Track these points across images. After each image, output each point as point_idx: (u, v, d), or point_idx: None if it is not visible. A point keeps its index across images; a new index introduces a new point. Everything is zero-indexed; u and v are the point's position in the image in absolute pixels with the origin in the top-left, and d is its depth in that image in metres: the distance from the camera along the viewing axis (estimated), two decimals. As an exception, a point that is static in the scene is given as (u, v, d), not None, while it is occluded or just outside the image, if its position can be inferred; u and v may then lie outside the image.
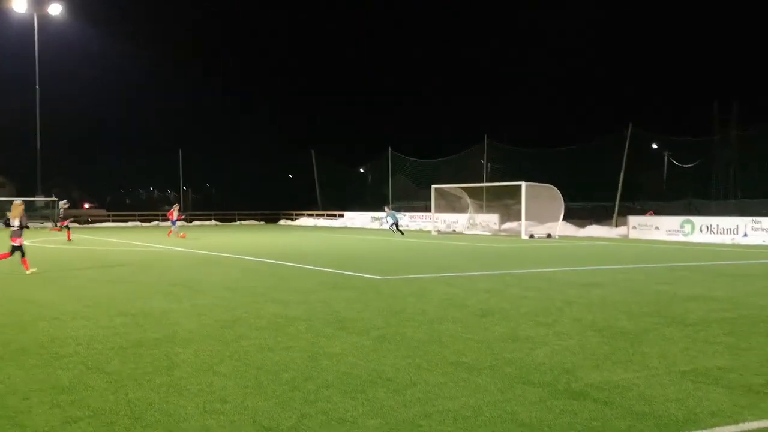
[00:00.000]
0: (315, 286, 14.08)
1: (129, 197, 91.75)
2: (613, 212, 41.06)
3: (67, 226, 32.98)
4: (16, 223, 16.32)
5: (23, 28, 55.02)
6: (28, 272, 16.08)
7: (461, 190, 43.47)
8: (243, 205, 66.40)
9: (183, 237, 33.49)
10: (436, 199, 43.10)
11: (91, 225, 55.37)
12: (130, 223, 58.35)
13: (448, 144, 55.45)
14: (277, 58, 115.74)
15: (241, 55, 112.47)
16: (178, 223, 35.62)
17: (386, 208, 40.17)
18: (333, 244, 30.61)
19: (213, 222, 61.62)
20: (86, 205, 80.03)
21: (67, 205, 34.94)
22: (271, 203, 66.83)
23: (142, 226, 55.81)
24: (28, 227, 16.99)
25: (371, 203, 54.93)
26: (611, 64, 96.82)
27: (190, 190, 74.77)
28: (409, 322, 9.86)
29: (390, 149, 56.09)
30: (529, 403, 5.88)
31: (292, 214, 64.76)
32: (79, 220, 58.17)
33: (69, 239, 31.32)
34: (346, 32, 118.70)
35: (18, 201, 16.82)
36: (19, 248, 16.28)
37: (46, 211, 54.26)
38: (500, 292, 13.17)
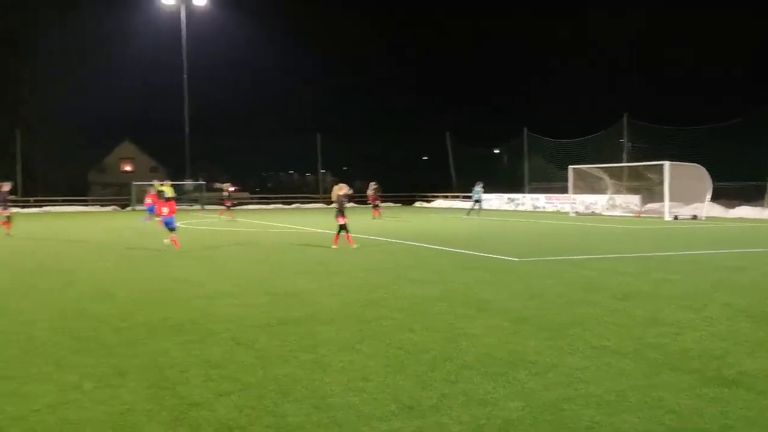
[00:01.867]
0: (452, 267, 14.12)
1: (270, 180, 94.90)
2: (765, 192, 38.73)
3: (376, 206, 36.20)
4: (336, 204, 18.38)
5: (171, 19, 57.85)
6: (333, 247, 17.95)
7: (601, 171, 42.30)
8: (379, 187, 67.14)
9: (380, 216, 35.95)
10: (574, 180, 42.15)
11: (235, 207, 57.69)
12: (272, 206, 60.37)
13: (587, 123, 53.86)
14: (412, 41, 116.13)
15: (377, 39, 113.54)
16: (381, 204, 37.53)
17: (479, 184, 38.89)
18: (469, 225, 30.53)
19: (351, 204, 62.70)
20: (231, 189, 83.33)
21: (375, 186, 37.49)
22: (407, 185, 67.24)
23: (283, 208, 57.68)
24: (342, 205, 18.44)
25: (507, 185, 54.28)
26: (758, 36, 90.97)
27: (328, 173, 76.40)
28: (548, 304, 9.74)
29: (526, 130, 55.21)
30: (676, 390, 5.69)
31: (427, 196, 64.98)
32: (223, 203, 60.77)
33: (374, 217, 34.79)
34: (481, 11, 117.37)
35: (340, 185, 18.52)
36: (342, 226, 18.10)
37: (195, 194, 56.87)
38: (642, 275, 12.75)
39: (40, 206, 52.43)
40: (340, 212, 18.14)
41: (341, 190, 18.34)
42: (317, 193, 66.97)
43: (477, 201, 38.00)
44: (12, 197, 25.18)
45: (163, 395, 5.67)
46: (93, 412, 5.28)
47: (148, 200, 26.35)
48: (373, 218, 35.11)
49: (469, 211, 38.16)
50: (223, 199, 37.84)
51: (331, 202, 18.67)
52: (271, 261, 15.65)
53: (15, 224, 24.82)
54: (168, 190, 30.64)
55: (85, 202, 58.21)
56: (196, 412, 5.25)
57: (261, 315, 9.03)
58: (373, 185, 37.57)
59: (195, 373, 6.31)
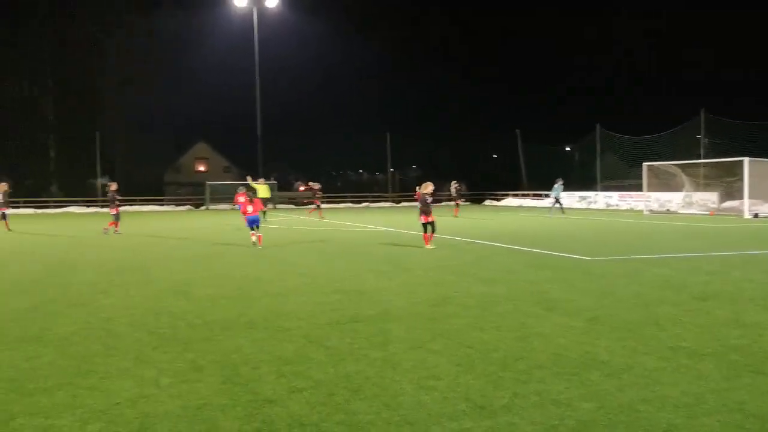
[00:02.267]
0: (522, 266, 13.98)
1: (340, 180, 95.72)
2: None
3: (457, 204, 37.32)
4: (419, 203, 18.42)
5: (243, 21, 58.82)
6: (427, 247, 17.72)
7: (676, 168, 41.27)
8: (461, 186, 66.85)
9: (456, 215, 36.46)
10: (648, 178, 41.24)
11: (305, 207, 58.36)
12: (341, 205, 60.83)
13: (661, 119, 52.50)
14: (480, 37, 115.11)
15: (443, 37, 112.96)
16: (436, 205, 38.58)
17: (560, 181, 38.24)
18: (539, 224, 30.18)
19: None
20: (301, 188, 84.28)
21: (456, 185, 38.45)
22: (476, 184, 66.89)
23: (353, 207, 58.09)
24: (426, 204, 18.35)
25: (579, 183, 53.42)
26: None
27: (397, 172, 76.61)
28: (621, 304, 9.55)
29: (598, 126, 54.20)
30: (760, 393, 5.50)
31: (497, 195, 64.49)
32: (295, 201, 61.59)
33: (455, 215, 35.34)
34: (551, 8, 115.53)
35: (425, 183, 18.57)
36: (425, 225, 18.02)
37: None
38: (722, 275, 12.39)
39: (119, 206, 54.02)
40: (423, 211, 17.99)
41: (426, 188, 18.20)
42: (387, 191, 67.21)
43: (557, 199, 37.63)
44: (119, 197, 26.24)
45: (237, 391, 5.77)
46: (170, 406, 5.41)
47: (241, 198, 26.71)
48: (455, 216, 35.30)
49: (562, 209, 37.70)
50: (312, 198, 38.80)
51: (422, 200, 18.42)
52: (341, 259, 15.78)
53: (99, 223, 25.61)
54: (261, 189, 31.58)
55: (161, 202, 59.77)
56: (269, 408, 5.33)
57: (332, 313, 9.11)
58: (454, 184, 37.98)
59: (268, 369, 6.40)
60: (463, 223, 30.72)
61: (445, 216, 34.88)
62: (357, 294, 10.62)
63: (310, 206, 38.84)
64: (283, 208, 56.52)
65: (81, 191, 58.47)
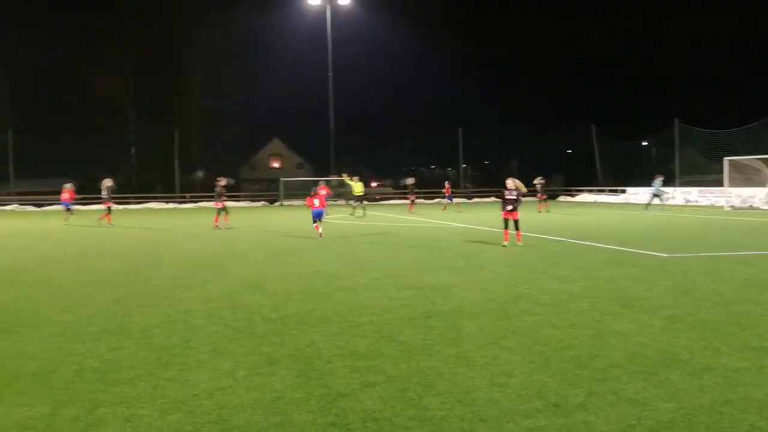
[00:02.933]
0: (597, 263, 13.74)
1: (412, 175, 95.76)
2: None
3: (541, 200, 37.62)
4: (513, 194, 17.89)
5: (316, 18, 59.36)
6: (504, 244, 17.46)
7: (760, 162, 39.83)
8: (521, 181, 65.91)
9: (460, 211, 37.38)
10: (729, 173, 39.94)
11: (378, 202, 58.58)
12: (413, 201, 60.79)
13: (743, 111, 50.74)
14: (553, 30, 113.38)
15: (515, 31, 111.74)
16: (454, 199, 38.94)
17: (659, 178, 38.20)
18: (615, 220, 29.59)
19: (492, 199, 62.17)
20: (373, 184, 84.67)
21: (541, 181, 38.59)
22: (551, 179, 65.91)
23: (424, 203, 57.99)
24: (506, 200, 17.96)
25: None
26: None
27: (469, 167, 76.08)
28: (702, 302, 9.29)
29: (677, 120, 52.70)
30: None
31: (571, 190, 63.48)
32: (367, 197, 61.88)
33: (539, 210, 36.02)
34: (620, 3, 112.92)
35: (507, 179, 18.39)
36: (506, 221, 17.76)
37: (340, 190, 58.22)
38: (809, 273, 11.92)
39: (196, 202, 55.25)
40: (505, 207, 17.73)
41: (508, 183, 17.99)
42: (458, 187, 66.86)
43: (656, 195, 37.57)
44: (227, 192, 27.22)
45: (311, 385, 5.84)
46: (245, 398, 5.52)
47: (322, 192, 26.93)
48: (539, 211, 35.21)
49: (647, 205, 37.88)
50: (407, 194, 39.54)
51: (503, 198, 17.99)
52: (413, 255, 15.78)
53: (182, 218, 26.20)
54: (355, 186, 32.42)
55: (237, 198, 60.82)
56: (342, 402, 5.38)
57: (404, 308, 9.13)
58: (539, 180, 37.90)
59: (341, 364, 6.46)
60: (538, 219, 30.34)
61: (524, 211, 34.52)
62: (430, 290, 10.61)
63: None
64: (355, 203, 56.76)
65: (163, 187, 60.03)
